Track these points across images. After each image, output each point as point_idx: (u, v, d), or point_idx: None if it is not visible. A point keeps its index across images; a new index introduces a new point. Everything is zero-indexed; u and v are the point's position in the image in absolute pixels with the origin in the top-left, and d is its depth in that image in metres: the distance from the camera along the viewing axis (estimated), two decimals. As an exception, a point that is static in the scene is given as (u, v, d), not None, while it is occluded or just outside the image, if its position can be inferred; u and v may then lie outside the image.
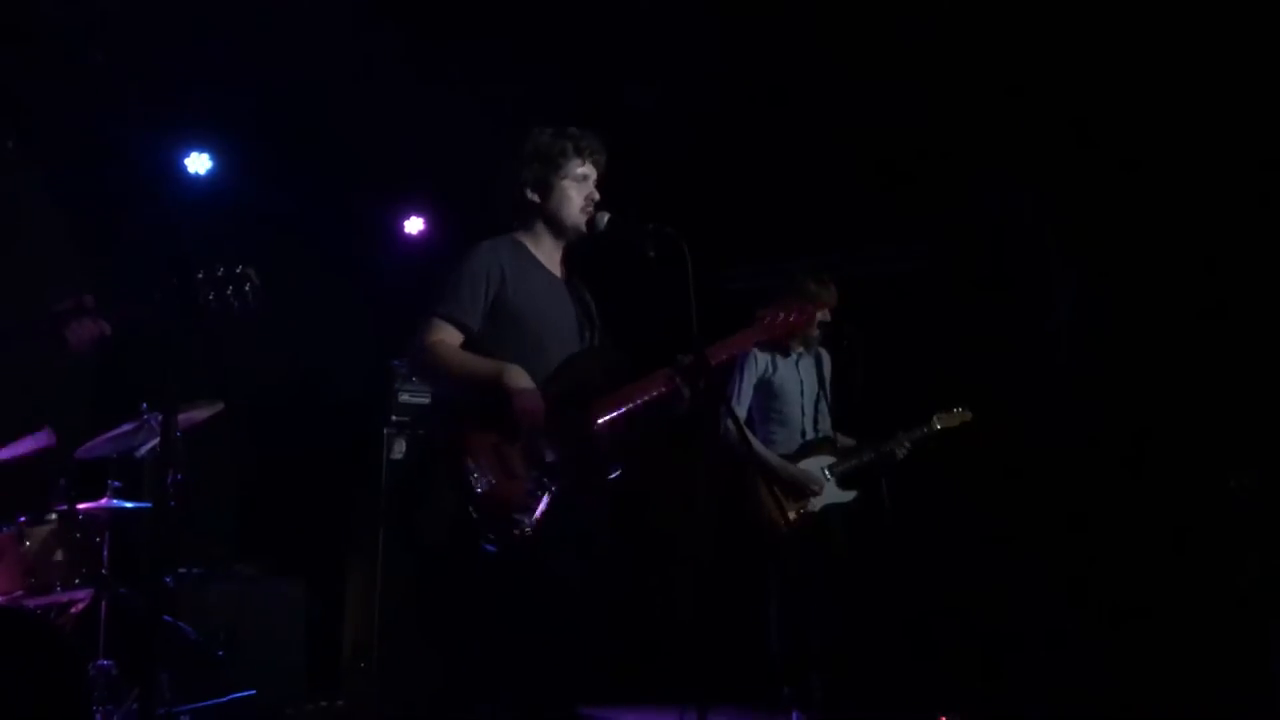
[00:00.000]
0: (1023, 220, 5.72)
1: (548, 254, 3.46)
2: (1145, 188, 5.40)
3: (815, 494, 4.91)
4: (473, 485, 3.08)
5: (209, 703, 4.62)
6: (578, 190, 3.41)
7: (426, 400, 5.69)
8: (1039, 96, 5.48)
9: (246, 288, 3.33)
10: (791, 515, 4.84)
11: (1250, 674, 4.75)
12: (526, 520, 3.09)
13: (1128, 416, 5.36)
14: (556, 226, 3.43)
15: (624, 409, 3.26)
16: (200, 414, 4.69)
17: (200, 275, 3.34)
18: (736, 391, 4.95)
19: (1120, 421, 5.38)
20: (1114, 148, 5.45)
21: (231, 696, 4.72)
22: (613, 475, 3.26)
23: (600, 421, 3.24)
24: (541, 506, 3.11)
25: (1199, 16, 4.99)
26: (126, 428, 4.63)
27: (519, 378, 3.15)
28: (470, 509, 3.08)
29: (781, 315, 3.57)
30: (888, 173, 5.85)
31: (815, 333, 5.07)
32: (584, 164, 3.42)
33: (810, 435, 5.04)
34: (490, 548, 3.08)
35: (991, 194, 5.70)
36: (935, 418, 5.07)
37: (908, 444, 5.01)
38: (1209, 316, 5.21)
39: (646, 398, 3.28)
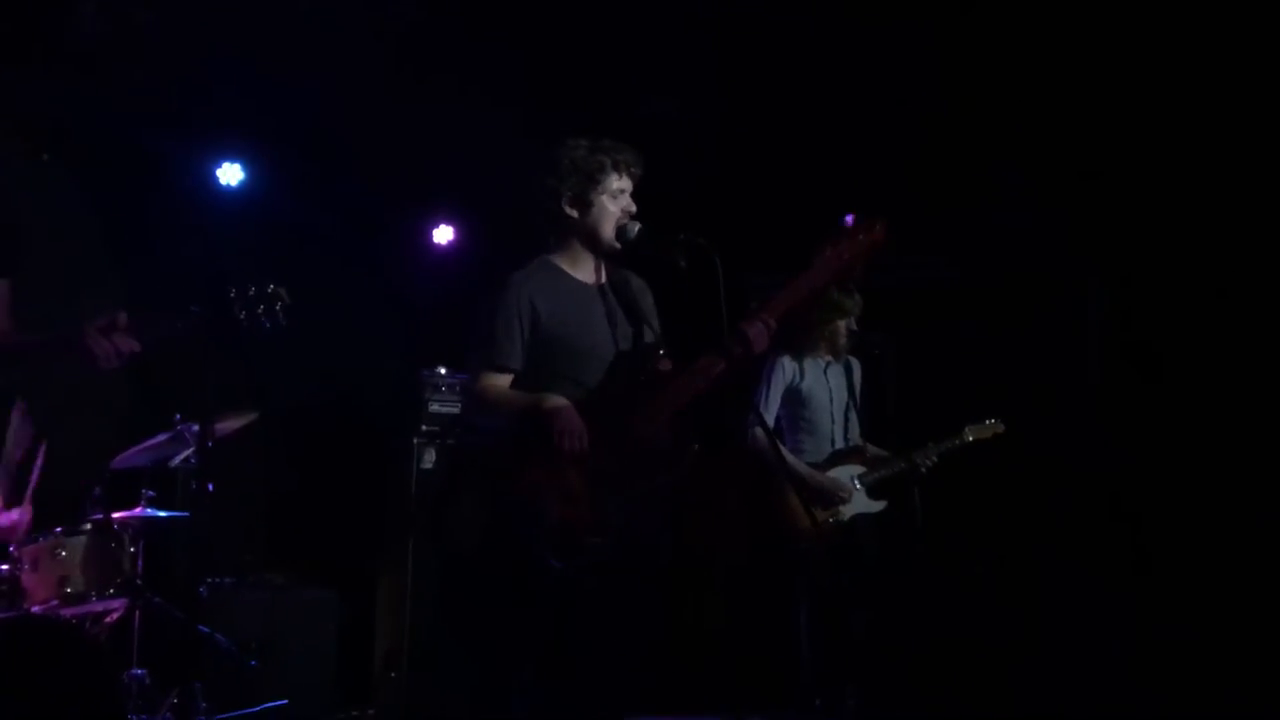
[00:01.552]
0: (1052, 227, 5.68)
1: (585, 267, 3.46)
2: (1175, 196, 5.36)
3: (843, 501, 4.88)
4: (542, 516, 3.10)
5: (241, 712, 4.65)
6: (615, 204, 3.39)
7: (456, 409, 5.71)
8: (1069, 105, 5.45)
9: (278, 307, 3.37)
10: (820, 524, 4.81)
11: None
12: (599, 541, 3.10)
13: (1158, 427, 5.31)
14: (592, 242, 3.42)
15: (672, 407, 3.25)
16: (233, 424, 4.73)
17: (232, 294, 3.37)
18: (764, 399, 4.93)
19: (1151, 432, 5.33)
20: (1145, 156, 5.41)
21: (264, 706, 4.74)
22: (674, 473, 3.24)
23: (650, 423, 3.22)
24: (612, 524, 3.12)
25: (1227, 21, 4.95)
26: (161, 438, 4.67)
27: (553, 401, 3.17)
28: (533, 538, 3.09)
29: (845, 245, 3.37)
30: (915, 180, 5.82)
31: (842, 342, 5.05)
32: (621, 178, 3.40)
33: (840, 444, 5.02)
34: (557, 564, 3.08)
35: (1020, 202, 5.66)
36: (967, 429, 5.02)
37: (936, 455, 4.97)
38: (1239, 325, 5.16)
39: (703, 384, 3.25)
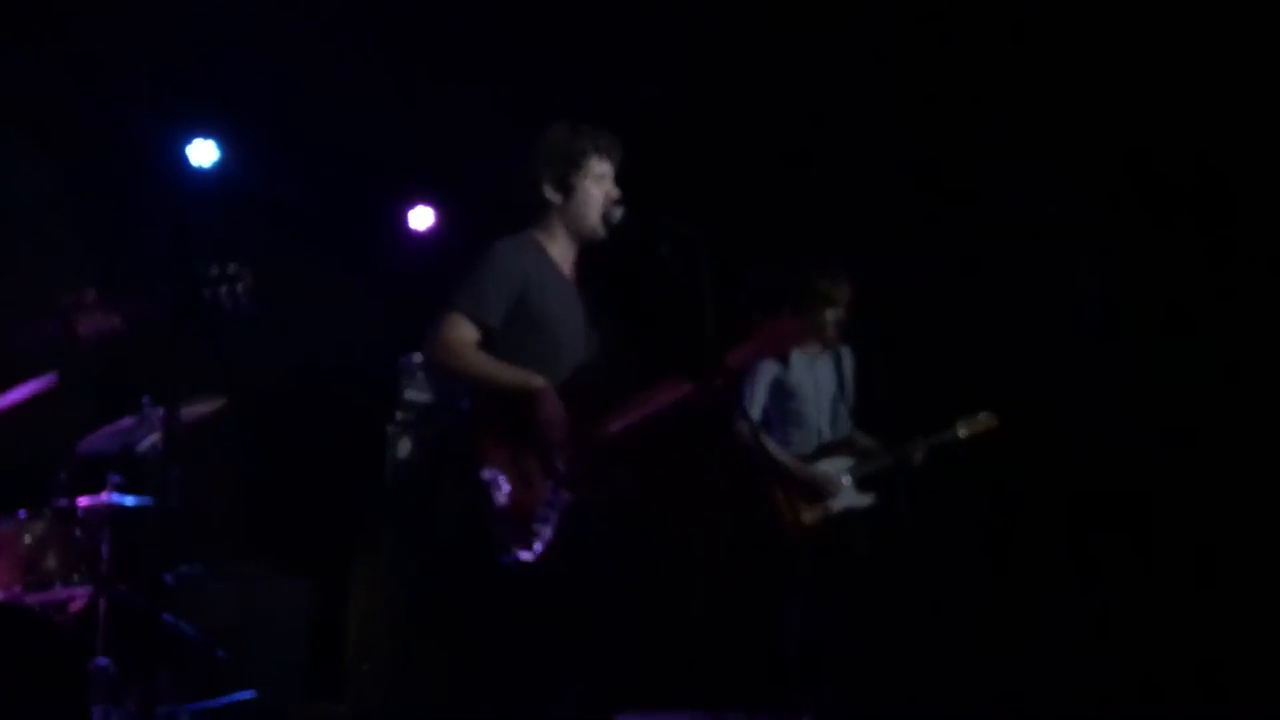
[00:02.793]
0: (1049, 219, 5.64)
1: (562, 255, 3.43)
2: (1174, 186, 5.32)
3: (832, 495, 4.83)
4: (493, 496, 3.04)
5: (209, 703, 4.57)
6: (598, 188, 3.37)
7: (430, 399, 5.63)
8: (1064, 93, 5.42)
9: (239, 288, 3.29)
10: (807, 518, 4.76)
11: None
12: (544, 530, 3.05)
13: (1155, 421, 5.28)
14: (576, 227, 3.40)
15: (632, 420, 3.22)
16: (202, 409, 4.63)
17: (195, 273, 3.30)
18: (750, 393, 4.87)
19: (1148, 425, 5.30)
20: (1141, 143, 5.38)
21: (232, 698, 4.67)
22: (620, 488, 3.22)
23: (609, 432, 3.20)
24: (555, 517, 3.08)
25: (1226, 16, 4.91)
26: (128, 422, 4.57)
27: (545, 386, 3.13)
28: (490, 520, 3.04)
29: (781, 324, 3.51)
30: (911, 170, 5.78)
31: (830, 333, 4.99)
32: (602, 162, 3.38)
33: (828, 436, 4.97)
34: (506, 560, 3.03)
35: (1017, 191, 5.62)
36: (959, 423, 4.96)
37: (927, 449, 4.91)
38: (1241, 317, 5.13)
39: (656, 407, 3.23)
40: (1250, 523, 5.05)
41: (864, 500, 4.90)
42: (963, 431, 4.95)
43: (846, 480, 4.89)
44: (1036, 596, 5.42)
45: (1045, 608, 5.42)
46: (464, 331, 3.19)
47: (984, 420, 4.98)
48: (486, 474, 3.05)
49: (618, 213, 3.35)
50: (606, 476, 3.21)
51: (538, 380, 3.12)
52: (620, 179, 3.42)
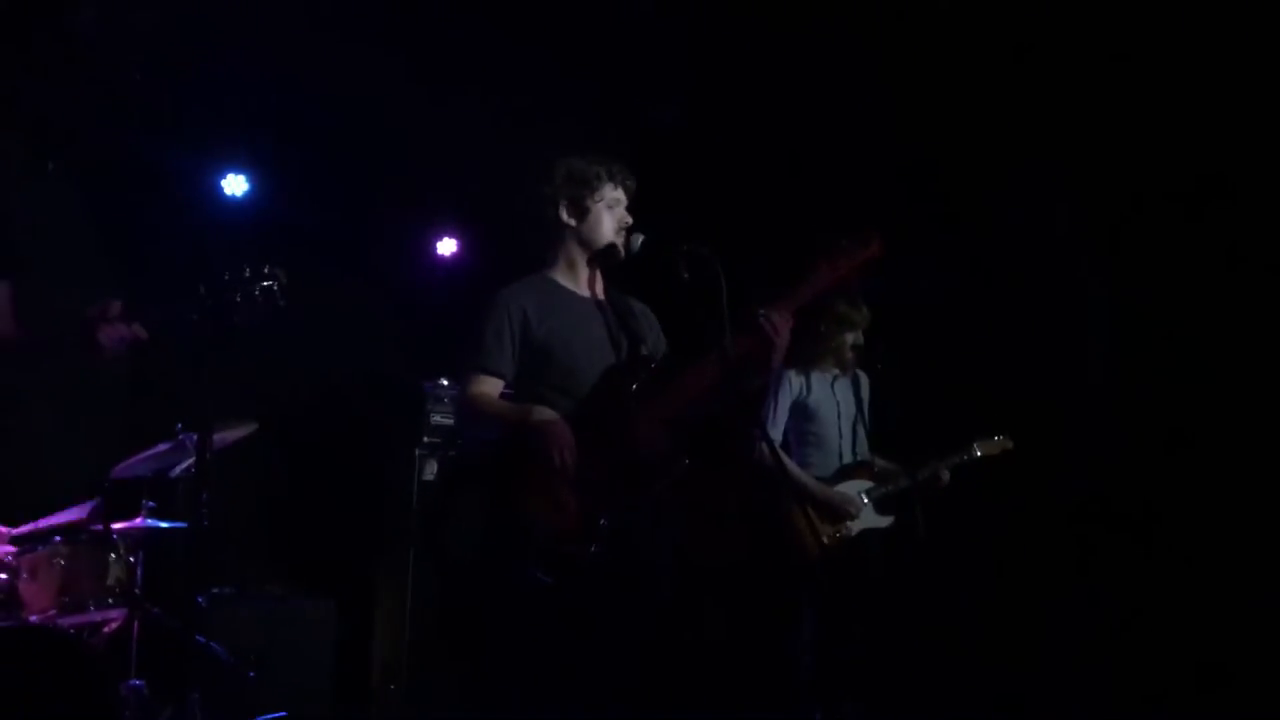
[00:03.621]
0: (1056, 236, 5.66)
1: (583, 280, 3.48)
2: (1181, 202, 5.33)
3: (852, 516, 4.85)
4: (529, 527, 3.11)
5: (239, 723, 4.62)
6: (610, 214, 3.43)
7: (456, 422, 5.69)
8: (1073, 109, 5.44)
9: (274, 286, 3.35)
10: (826, 539, 4.78)
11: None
12: (583, 551, 3.10)
13: (1166, 440, 5.28)
14: (590, 249, 3.45)
15: (669, 412, 3.25)
16: (234, 434, 4.71)
17: (227, 277, 3.36)
18: (771, 414, 4.90)
19: (1159, 445, 5.30)
20: (1147, 159, 5.39)
21: (262, 718, 4.71)
22: (672, 480, 3.23)
23: (640, 433, 3.22)
24: (599, 534, 3.12)
25: (1235, 23, 4.94)
26: (162, 448, 4.64)
27: (542, 414, 3.19)
28: (525, 547, 3.10)
29: (842, 258, 3.42)
30: (918, 189, 5.81)
31: (849, 356, 5.03)
32: (616, 189, 3.44)
33: (848, 458, 4.99)
34: (546, 579, 3.08)
35: (1023, 209, 5.64)
36: (975, 444, 5.01)
37: (947, 470, 4.95)
38: (1247, 330, 5.13)
39: (696, 392, 3.25)
40: (1256, 532, 5.03)
41: (883, 522, 4.92)
42: (979, 452, 4.98)
43: (866, 502, 4.92)
44: (1049, 614, 5.43)
45: (1061, 626, 5.41)
46: (482, 387, 3.31)
47: (1000, 442, 5.02)
48: (518, 504, 3.13)
49: (637, 241, 3.39)
50: (644, 479, 3.22)
51: (536, 412, 3.19)
52: (634, 207, 3.48)
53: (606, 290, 3.51)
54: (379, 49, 5.62)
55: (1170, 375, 5.32)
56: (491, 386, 3.31)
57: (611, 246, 3.42)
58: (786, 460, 4.85)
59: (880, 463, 5.03)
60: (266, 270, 3.34)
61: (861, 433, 5.03)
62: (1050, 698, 5.25)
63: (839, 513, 4.84)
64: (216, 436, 4.52)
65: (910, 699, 5.00)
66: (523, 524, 3.12)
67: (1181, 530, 5.20)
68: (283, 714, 4.81)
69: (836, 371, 5.04)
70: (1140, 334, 5.46)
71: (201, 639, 4.68)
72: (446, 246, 6.86)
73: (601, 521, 3.13)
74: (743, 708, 3.15)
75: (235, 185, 6.09)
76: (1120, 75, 5.31)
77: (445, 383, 5.75)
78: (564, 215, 3.43)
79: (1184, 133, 5.25)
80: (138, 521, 4.59)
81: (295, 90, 5.70)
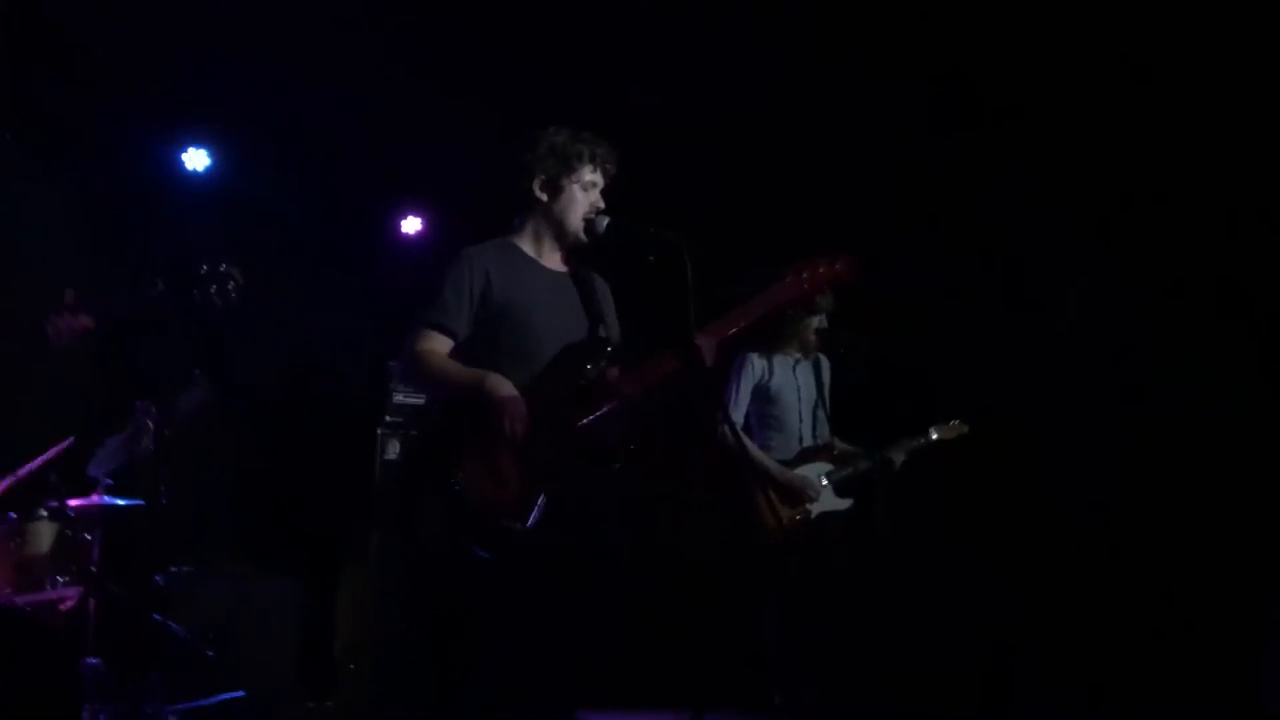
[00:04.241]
0: (1032, 223, 5.70)
1: (546, 252, 3.45)
2: (1158, 194, 5.39)
3: (812, 500, 4.89)
4: (460, 495, 3.08)
5: (198, 703, 4.59)
6: (584, 196, 3.40)
7: (421, 401, 5.66)
8: (1050, 100, 5.48)
9: (230, 286, 3.34)
10: (787, 521, 4.81)
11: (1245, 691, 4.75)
12: (518, 525, 3.07)
13: (1135, 424, 5.35)
14: (557, 228, 3.42)
15: (624, 398, 3.23)
16: (192, 399, 4.64)
17: (185, 272, 3.34)
18: (733, 397, 4.92)
19: (1127, 430, 5.37)
20: (1125, 150, 5.44)
21: (221, 697, 4.69)
22: (616, 466, 3.22)
23: (595, 415, 3.21)
24: (535, 510, 3.09)
25: (1213, 21, 4.98)
26: (128, 430, 4.59)
27: (499, 384, 3.14)
28: (463, 520, 3.07)
29: (809, 273, 3.44)
30: (896, 177, 5.83)
31: (812, 340, 5.06)
32: (595, 171, 3.41)
33: (809, 442, 5.02)
34: (484, 554, 3.06)
35: (1001, 199, 5.68)
36: (932, 429, 5.05)
37: (904, 454, 4.99)
38: (1221, 321, 5.20)
39: (650, 383, 3.25)
40: (1232, 527, 5.11)
41: (842, 504, 4.96)
42: (935, 435, 5.03)
43: (825, 484, 4.95)
44: (1013, 599, 5.49)
45: (1021, 609, 5.48)
46: (430, 342, 3.25)
47: (956, 426, 5.07)
48: (459, 474, 3.08)
49: (603, 222, 3.37)
50: (593, 459, 3.21)
51: (491, 380, 3.14)
52: (611, 190, 3.45)
53: (570, 264, 3.48)
54: (345, 25, 5.57)
55: (1144, 362, 5.38)
56: (440, 344, 3.26)
57: (575, 234, 3.40)
58: (748, 443, 4.87)
59: (840, 445, 5.06)
60: (223, 269, 3.33)
61: (822, 416, 5.06)
62: (1011, 678, 5.32)
63: (799, 495, 4.87)
64: (175, 408, 4.50)
65: (870, 681, 5.05)
66: (461, 495, 3.08)
67: (1148, 513, 5.28)
68: (241, 694, 4.79)
69: (799, 355, 5.07)
70: (1116, 322, 5.52)
71: (159, 618, 4.66)
72: (411, 225, 6.83)
73: (540, 498, 3.09)
74: (705, 692, 3.16)
75: (196, 160, 6.02)
76: (1106, 72, 5.34)
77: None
78: (537, 189, 3.40)
79: (1167, 129, 5.30)
80: (95, 499, 4.55)
81: (259, 64, 5.64)
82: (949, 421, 5.08)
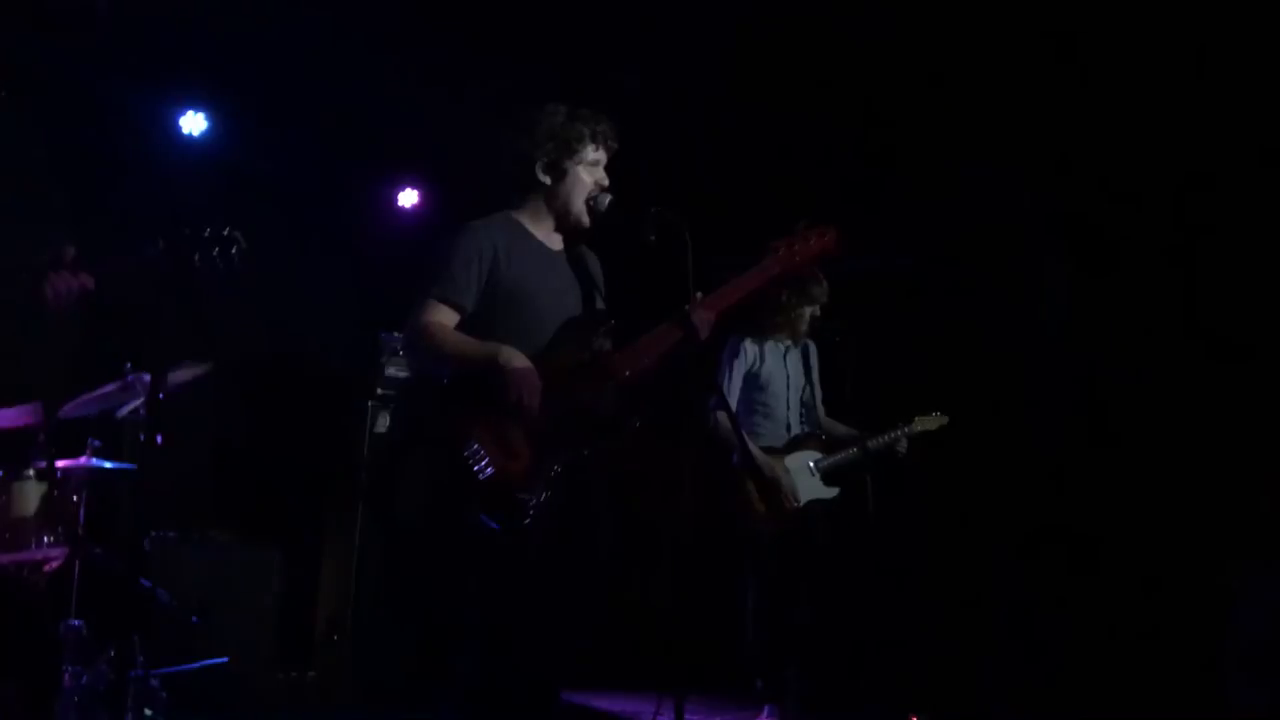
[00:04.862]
0: (1014, 215, 5.72)
1: (546, 231, 3.43)
2: (1139, 180, 5.40)
3: (790, 505, 4.89)
4: (476, 471, 3.06)
5: (180, 668, 4.59)
6: (588, 175, 3.37)
7: (411, 374, 5.65)
8: (1036, 91, 5.49)
9: (233, 250, 3.31)
10: (774, 510, 4.82)
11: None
12: (531, 499, 3.08)
13: (1117, 415, 5.37)
14: (561, 210, 3.40)
15: (617, 377, 3.23)
16: (185, 375, 4.64)
17: (187, 233, 3.31)
18: (726, 383, 4.93)
19: (1109, 420, 5.39)
20: (1107, 142, 5.45)
21: (203, 663, 4.69)
22: (623, 438, 3.22)
23: (593, 390, 3.21)
24: (542, 488, 3.10)
25: (1201, 15, 4.99)
26: (110, 387, 4.58)
27: (513, 357, 3.13)
28: (473, 493, 3.06)
29: (799, 245, 3.45)
30: (881, 165, 5.84)
31: (804, 328, 5.07)
32: (598, 150, 3.38)
33: (796, 429, 5.04)
34: (494, 525, 3.06)
35: (984, 187, 5.69)
36: (916, 419, 5.08)
37: (894, 441, 5.02)
38: (1203, 315, 5.22)
39: (656, 355, 3.25)
40: (1208, 520, 5.14)
41: (828, 493, 4.98)
42: (919, 428, 5.05)
43: (814, 473, 4.97)
44: (994, 590, 5.52)
45: (1002, 601, 5.52)
46: (439, 315, 3.23)
47: (936, 418, 5.10)
48: (468, 448, 3.08)
49: (605, 200, 3.35)
50: (603, 431, 3.21)
51: (506, 352, 3.12)
52: (610, 166, 3.43)
53: (567, 243, 3.47)
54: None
55: (1123, 354, 5.40)
56: (447, 317, 3.23)
57: (579, 217, 3.38)
58: (740, 431, 4.88)
59: (831, 432, 5.08)
60: (226, 233, 3.30)
61: (811, 403, 5.08)
62: (991, 670, 5.35)
63: (778, 496, 4.87)
64: (170, 376, 4.48)
65: (852, 668, 5.07)
66: (472, 468, 3.07)
67: (1129, 504, 5.30)
68: (224, 660, 4.79)
69: (789, 343, 5.08)
70: (1095, 314, 5.54)
71: (145, 582, 4.65)
72: (408, 198, 6.81)
73: (555, 469, 3.10)
74: (688, 675, 3.17)
75: (194, 123, 5.99)
76: (1085, 62, 5.35)
77: (399, 336, 5.71)
78: (539, 173, 3.37)
79: (1147, 121, 5.32)
80: (83, 460, 4.53)
81: (259, 32, 5.60)
82: (931, 413, 5.11)
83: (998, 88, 5.53)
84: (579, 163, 3.36)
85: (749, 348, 5.00)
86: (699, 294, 3.26)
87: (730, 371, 4.96)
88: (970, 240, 5.74)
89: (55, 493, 4.45)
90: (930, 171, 5.80)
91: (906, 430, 5.05)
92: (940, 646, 5.44)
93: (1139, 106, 5.32)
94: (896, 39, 5.50)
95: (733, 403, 4.92)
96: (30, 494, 4.40)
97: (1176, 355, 5.24)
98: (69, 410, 4.61)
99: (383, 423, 5.60)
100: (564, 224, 3.42)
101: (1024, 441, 5.52)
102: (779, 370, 5.03)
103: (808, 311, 5.03)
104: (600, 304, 3.43)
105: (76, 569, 4.37)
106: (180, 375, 4.60)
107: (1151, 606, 5.13)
